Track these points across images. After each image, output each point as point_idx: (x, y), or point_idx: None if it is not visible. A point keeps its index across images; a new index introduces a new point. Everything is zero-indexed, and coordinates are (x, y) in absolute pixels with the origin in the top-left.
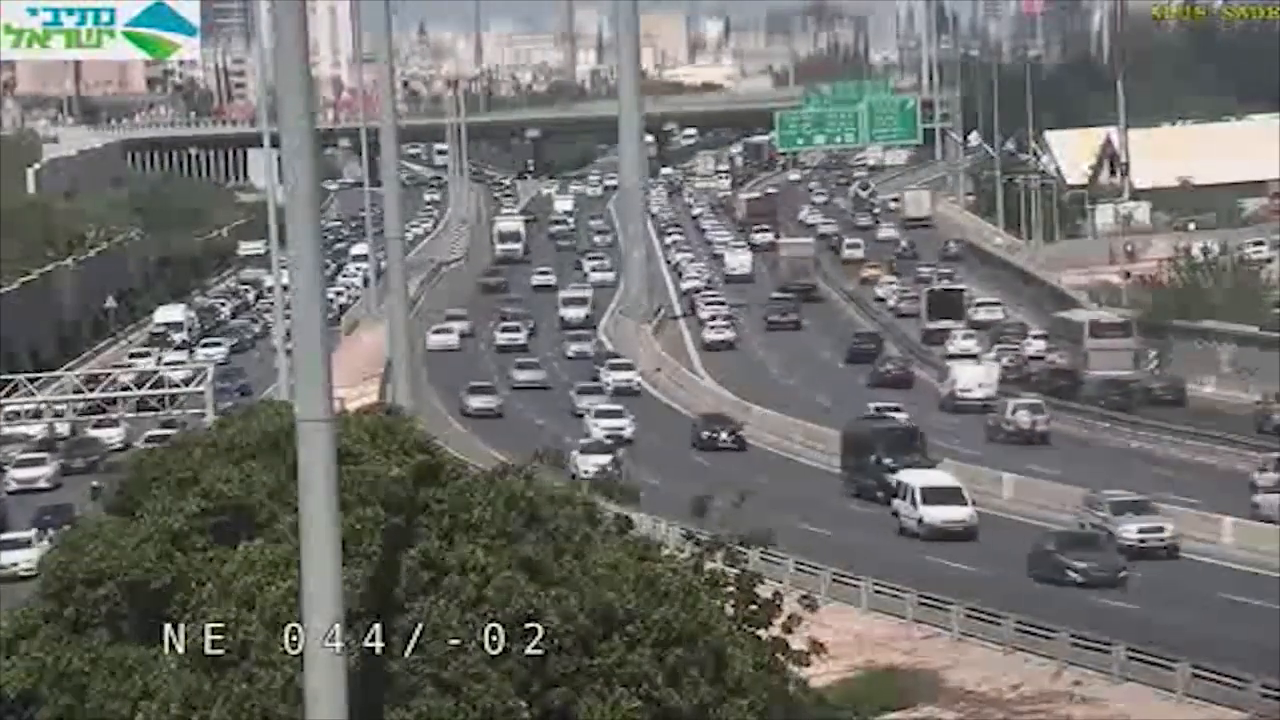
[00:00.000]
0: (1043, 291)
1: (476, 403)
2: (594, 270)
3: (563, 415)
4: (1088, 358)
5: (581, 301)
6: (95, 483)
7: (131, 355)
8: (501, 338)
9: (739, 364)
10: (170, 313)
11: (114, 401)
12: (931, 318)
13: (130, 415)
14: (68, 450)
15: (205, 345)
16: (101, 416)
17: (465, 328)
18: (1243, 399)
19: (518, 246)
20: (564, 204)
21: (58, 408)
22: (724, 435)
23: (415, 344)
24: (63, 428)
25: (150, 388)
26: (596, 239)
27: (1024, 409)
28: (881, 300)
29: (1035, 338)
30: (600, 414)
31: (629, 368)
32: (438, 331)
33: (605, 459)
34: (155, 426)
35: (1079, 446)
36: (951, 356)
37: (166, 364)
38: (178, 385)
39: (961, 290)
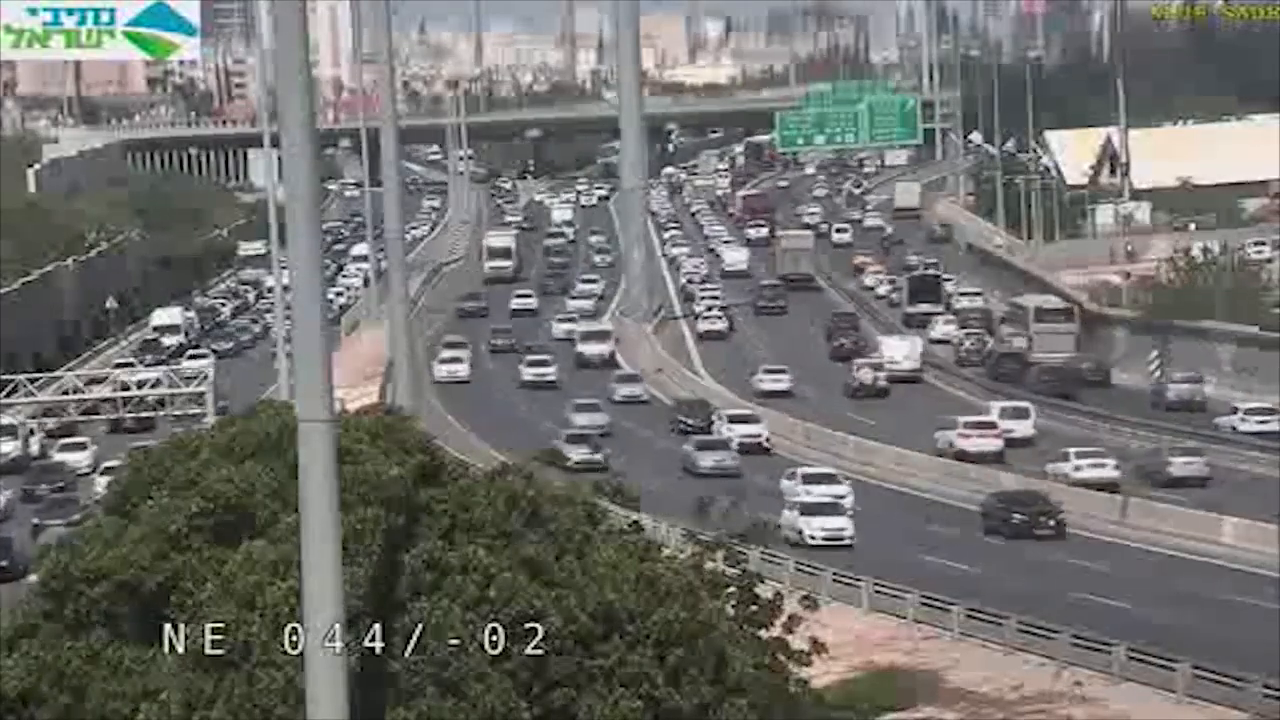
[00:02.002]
0: (1017, 276)
1: (577, 454)
2: (573, 298)
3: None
4: (1032, 341)
5: (603, 336)
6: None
7: (117, 365)
8: (528, 373)
9: (733, 355)
10: (167, 316)
11: (110, 405)
12: (912, 302)
13: (116, 417)
14: (32, 475)
15: (192, 356)
16: (69, 440)
17: (468, 354)
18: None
19: (508, 264)
20: (562, 213)
21: (31, 424)
22: (1043, 520)
23: (415, 344)
24: (33, 446)
25: (136, 397)
26: (596, 258)
27: (867, 368)
28: (869, 289)
29: (1002, 322)
30: (810, 479)
31: (754, 420)
32: (445, 361)
33: (837, 521)
34: (124, 454)
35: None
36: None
37: (139, 382)
38: (174, 389)
39: (939, 276)
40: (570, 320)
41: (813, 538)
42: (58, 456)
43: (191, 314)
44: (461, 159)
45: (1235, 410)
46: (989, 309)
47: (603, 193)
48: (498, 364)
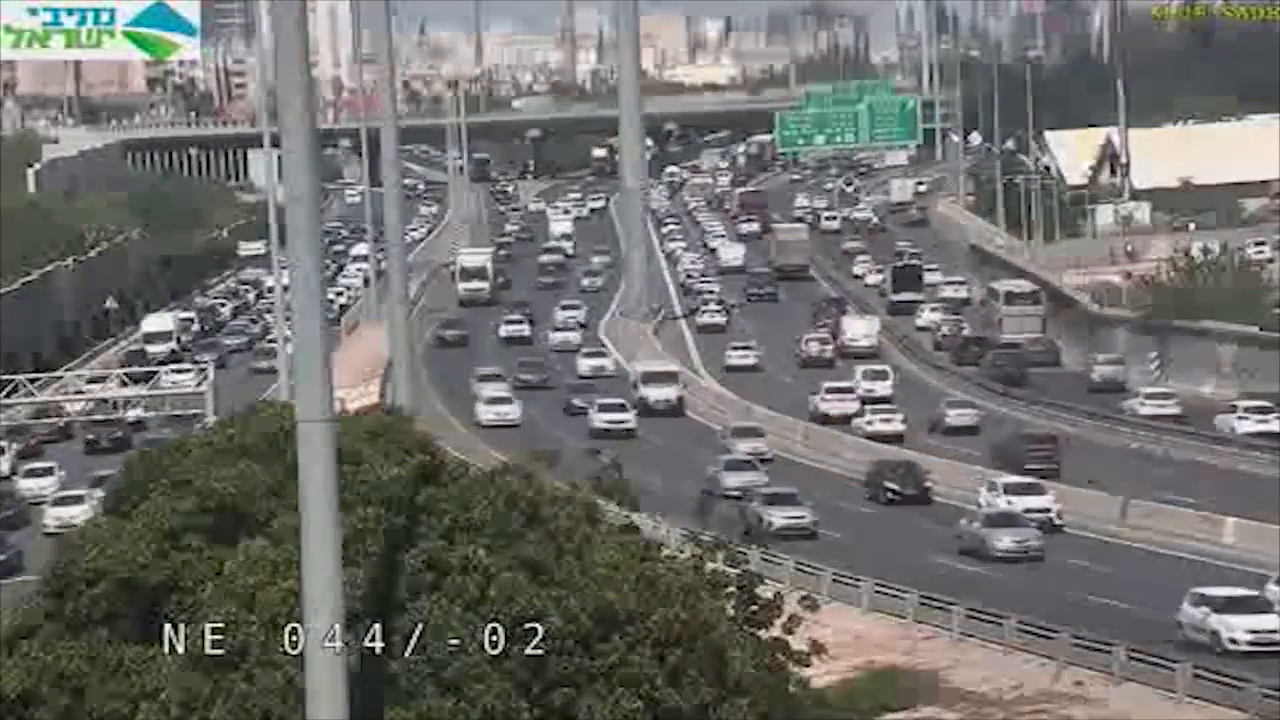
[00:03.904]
0: (1015, 276)
1: (780, 517)
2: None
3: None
4: (1002, 323)
5: (669, 378)
6: None
7: (90, 380)
8: (601, 419)
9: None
10: (158, 321)
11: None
12: (896, 290)
13: (103, 417)
14: None
15: (172, 371)
16: (35, 464)
17: (506, 388)
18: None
19: (484, 285)
20: (561, 226)
21: (0, 444)
22: None
23: (415, 344)
24: (4, 465)
25: (148, 392)
26: (585, 281)
27: (814, 341)
28: (858, 277)
29: (981, 304)
30: None
31: (1040, 490)
32: (491, 401)
33: (1267, 621)
34: (84, 483)
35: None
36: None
37: (115, 402)
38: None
39: (920, 266)
40: (600, 355)
41: (1234, 642)
42: (21, 482)
43: (191, 314)
44: (482, 162)
45: (1138, 395)
46: (970, 297)
47: (598, 204)
48: (533, 402)
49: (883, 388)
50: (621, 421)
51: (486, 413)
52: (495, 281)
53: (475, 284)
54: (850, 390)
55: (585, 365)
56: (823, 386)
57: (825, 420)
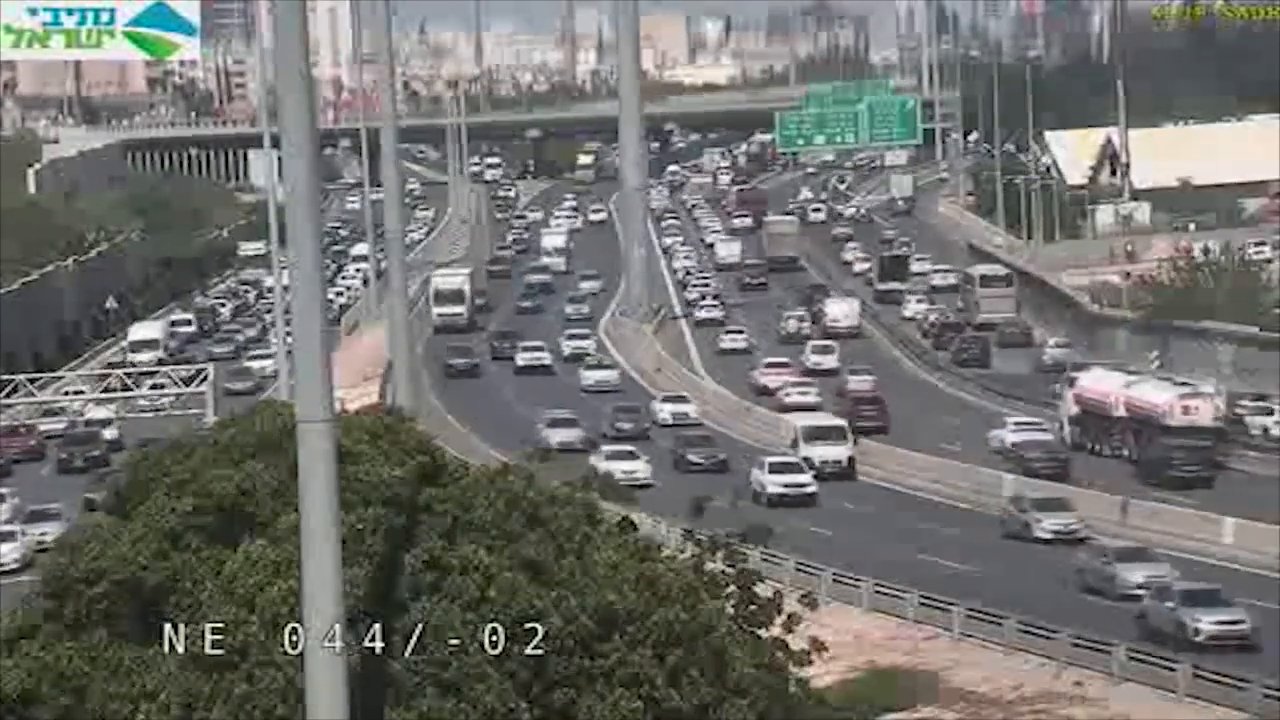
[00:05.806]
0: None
1: (1211, 623)
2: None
3: None
4: (978, 305)
5: (838, 434)
6: None
7: (68, 392)
8: (775, 482)
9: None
10: (145, 330)
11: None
12: (882, 280)
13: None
14: None
15: (154, 384)
16: None
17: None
18: None
19: (461, 309)
20: (555, 239)
21: None
22: None
23: (415, 344)
24: None
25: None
26: (570, 310)
27: (793, 319)
28: (847, 264)
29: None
30: None
31: None
32: (613, 457)
33: None
34: (19, 518)
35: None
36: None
37: (88, 421)
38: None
39: (907, 257)
40: (681, 400)
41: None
42: None
43: (189, 315)
44: (494, 165)
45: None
46: (956, 284)
47: (599, 214)
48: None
49: (830, 361)
50: (801, 485)
51: (614, 471)
52: (473, 304)
53: (451, 308)
54: (786, 365)
55: (665, 411)
56: (761, 362)
57: (764, 392)
